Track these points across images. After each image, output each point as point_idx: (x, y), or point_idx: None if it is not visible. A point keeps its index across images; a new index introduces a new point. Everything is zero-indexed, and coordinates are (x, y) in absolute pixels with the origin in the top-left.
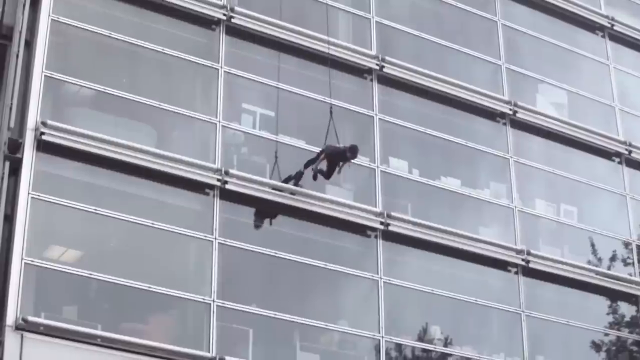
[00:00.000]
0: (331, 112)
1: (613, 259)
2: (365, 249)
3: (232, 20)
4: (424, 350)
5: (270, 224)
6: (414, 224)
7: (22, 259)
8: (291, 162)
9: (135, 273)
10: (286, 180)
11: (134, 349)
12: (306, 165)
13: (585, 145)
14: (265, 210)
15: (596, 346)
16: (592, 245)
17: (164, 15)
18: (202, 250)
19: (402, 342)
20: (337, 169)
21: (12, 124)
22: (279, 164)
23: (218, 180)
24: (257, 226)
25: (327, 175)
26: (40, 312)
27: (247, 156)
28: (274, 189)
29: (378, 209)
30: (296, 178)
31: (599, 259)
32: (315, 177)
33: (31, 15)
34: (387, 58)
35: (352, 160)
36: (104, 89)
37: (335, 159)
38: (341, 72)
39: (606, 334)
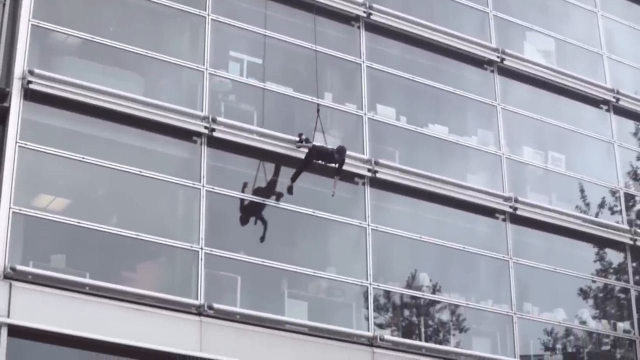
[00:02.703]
0: (318, 111)
1: (601, 206)
2: (353, 196)
3: None
4: (412, 297)
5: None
6: (402, 171)
7: (10, 207)
8: (278, 109)
9: (123, 221)
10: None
11: (123, 296)
12: (293, 179)
13: (573, 93)
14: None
15: (583, 293)
16: (580, 192)
17: None
18: (190, 197)
19: (390, 289)
20: (334, 180)
21: None
22: (266, 111)
23: (205, 127)
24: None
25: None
26: (29, 261)
27: (235, 104)
28: (261, 136)
29: (366, 156)
30: (288, 191)
31: (587, 206)
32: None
33: None
34: (375, 5)
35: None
36: (91, 38)
37: (320, 157)
38: (328, 19)
39: (594, 281)
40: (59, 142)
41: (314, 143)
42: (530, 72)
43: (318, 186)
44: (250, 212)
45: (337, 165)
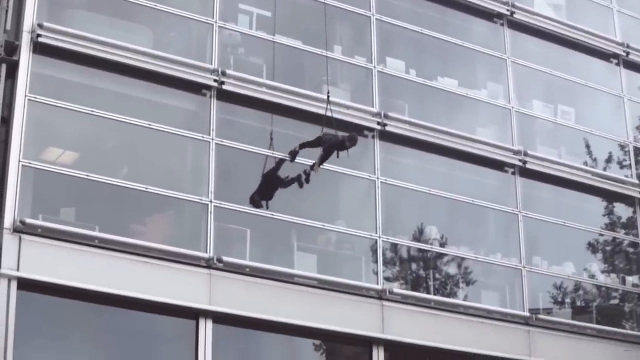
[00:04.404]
0: (328, 97)
1: (609, 160)
2: (362, 149)
3: None
4: (421, 250)
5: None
6: (411, 124)
7: (19, 161)
8: (288, 62)
9: (133, 174)
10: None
11: (132, 249)
12: (301, 146)
13: (583, 47)
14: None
15: (592, 247)
16: (589, 146)
17: None
18: (199, 150)
19: (399, 242)
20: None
21: (8, 27)
22: (275, 64)
23: (215, 80)
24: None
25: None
26: (38, 214)
27: (244, 56)
28: (270, 88)
29: (375, 109)
30: (291, 155)
31: (596, 160)
32: (307, 180)
33: None
34: None
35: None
36: None
37: (332, 149)
38: None
39: (602, 235)
40: (68, 95)
41: (325, 131)
42: (540, 25)
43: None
44: (265, 196)
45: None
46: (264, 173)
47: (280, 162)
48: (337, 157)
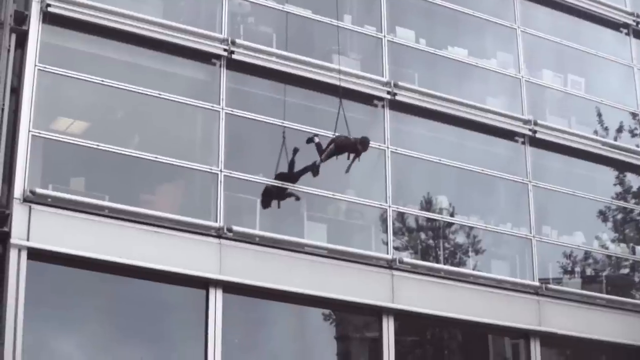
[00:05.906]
0: (340, 100)
1: (620, 130)
2: (372, 118)
3: None
4: (431, 219)
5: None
6: (421, 93)
7: (29, 131)
8: (298, 31)
9: (143, 143)
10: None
11: (142, 219)
12: (308, 141)
13: (593, 16)
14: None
15: (603, 216)
16: (599, 116)
17: None
18: (209, 120)
19: (408, 212)
20: (349, 163)
21: None
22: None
23: (225, 50)
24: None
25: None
26: (48, 184)
27: (254, 26)
28: (280, 58)
29: (385, 79)
30: (307, 140)
31: (606, 130)
32: (316, 173)
33: None
34: None
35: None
36: None
37: (344, 149)
38: None
39: (612, 205)
40: (77, 65)
41: (337, 134)
42: None
43: (336, 108)
44: (273, 196)
45: (356, 154)
46: (276, 174)
47: (293, 156)
48: (348, 159)
